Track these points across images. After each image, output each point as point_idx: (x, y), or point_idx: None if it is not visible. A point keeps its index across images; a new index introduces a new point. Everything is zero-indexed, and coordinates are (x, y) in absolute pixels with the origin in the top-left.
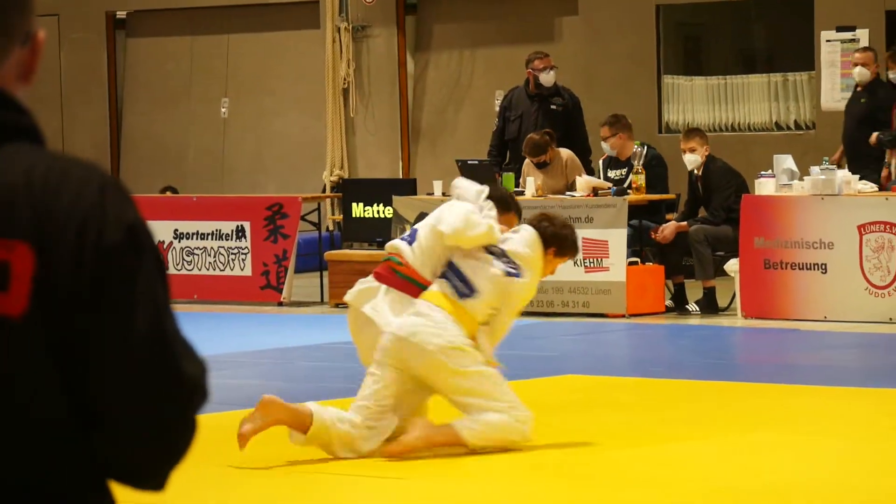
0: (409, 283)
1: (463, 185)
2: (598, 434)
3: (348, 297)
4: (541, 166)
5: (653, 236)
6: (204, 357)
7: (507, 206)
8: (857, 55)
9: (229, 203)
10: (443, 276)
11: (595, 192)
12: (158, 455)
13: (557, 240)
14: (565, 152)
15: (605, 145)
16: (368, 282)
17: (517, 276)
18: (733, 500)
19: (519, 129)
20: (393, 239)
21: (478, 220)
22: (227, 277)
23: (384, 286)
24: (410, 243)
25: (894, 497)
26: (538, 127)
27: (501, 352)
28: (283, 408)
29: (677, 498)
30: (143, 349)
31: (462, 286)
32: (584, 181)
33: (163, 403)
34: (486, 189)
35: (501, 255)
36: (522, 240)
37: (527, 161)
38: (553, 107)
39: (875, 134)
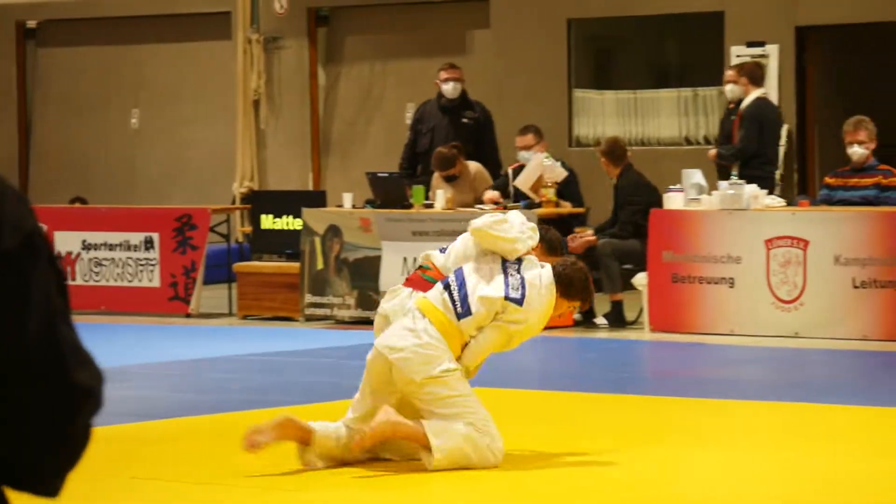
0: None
1: (511, 214)
2: (507, 447)
3: (382, 308)
4: (449, 179)
5: (569, 244)
6: (101, 367)
7: (553, 249)
8: (728, 73)
9: (138, 214)
10: (446, 285)
11: (506, 197)
12: (49, 460)
13: (565, 280)
14: (474, 165)
15: (525, 154)
16: (397, 288)
17: (517, 302)
18: None
19: (430, 141)
20: (302, 250)
21: (508, 227)
22: (135, 289)
23: (409, 289)
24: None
25: None
26: (449, 140)
27: None
28: (297, 427)
29: None
30: (35, 353)
31: (460, 306)
32: (492, 194)
33: (53, 408)
34: (533, 225)
35: (515, 273)
36: (541, 273)
37: (436, 174)
38: (464, 120)
39: (714, 150)
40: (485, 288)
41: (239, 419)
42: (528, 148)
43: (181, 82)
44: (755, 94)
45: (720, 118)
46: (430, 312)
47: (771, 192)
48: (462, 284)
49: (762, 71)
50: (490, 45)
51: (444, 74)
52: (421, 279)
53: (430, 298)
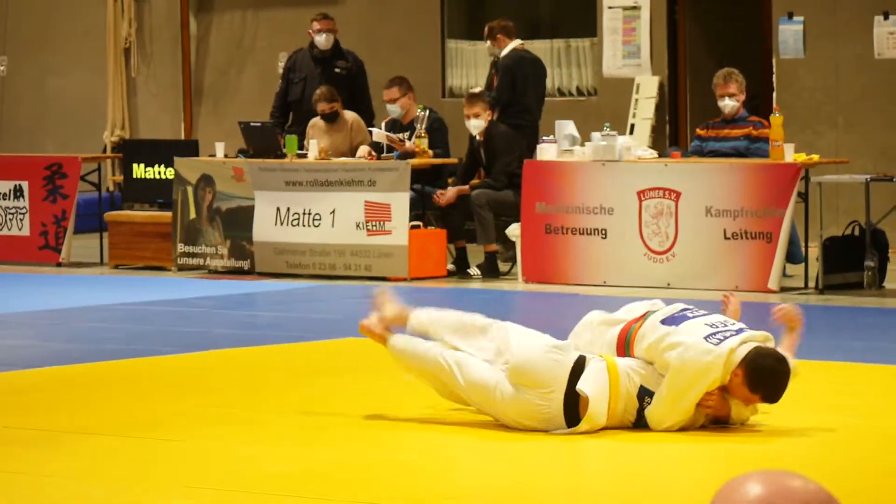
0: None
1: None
2: (390, 396)
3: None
4: (329, 119)
5: (435, 201)
6: None
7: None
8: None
9: (7, 162)
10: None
11: (381, 151)
12: None
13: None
14: (350, 115)
15: (392, 107)
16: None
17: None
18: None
19: (302, 91)
20: (174, 199)
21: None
22: (4, 237)
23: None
24: (663, 321)
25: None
26: None
27: (279, 314)
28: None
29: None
30: None
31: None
32: (380, 133)
33: None
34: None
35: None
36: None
37: (311, 123)
38: (337, 70)
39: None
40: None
41: (110, 368)
42: (394, 101)
43: (51, 30)
44: (510, 45)
45: (592, 70)
46: (612, 371)
47: (533, 139)
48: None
49: (513, 25)
50: None
51: (316, 25)
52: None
53: (623, 364)
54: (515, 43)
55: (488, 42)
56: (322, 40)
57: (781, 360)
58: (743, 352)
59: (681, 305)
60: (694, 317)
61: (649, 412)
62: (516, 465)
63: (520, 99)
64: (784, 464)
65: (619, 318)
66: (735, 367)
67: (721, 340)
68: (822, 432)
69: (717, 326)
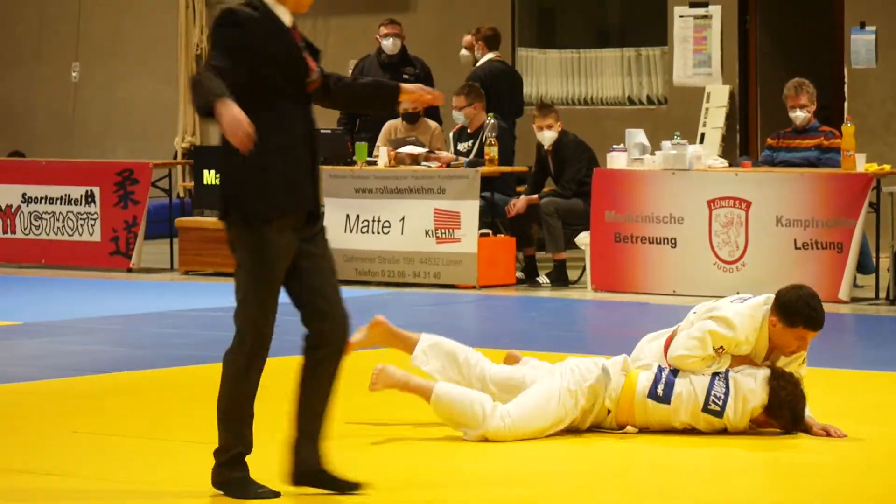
0: None
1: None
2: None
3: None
4: (411, 120)
5: (507, 213)
6: None
7: None
8: (466, 38)
9: (79, 168)
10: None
11: (447, 163)
12: None
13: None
14: (433, 123)
15: (458, 115)
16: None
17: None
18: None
19: None
20: None
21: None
22: (75, 243)
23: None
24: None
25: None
26: None
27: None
28: (391, 333)
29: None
30: None
31: (661, 389)
32: (447, 156)
33: None
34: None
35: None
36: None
37: (390, 123)
38: (405, 76)
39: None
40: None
41: (179, 374)
42: (460, 108)
43: (122, 36)
44: (486, 57)
45: (663, 78)
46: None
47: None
48: (670, 380)
49: (498, 36)
50: (433, 2)
51: (384, 30)
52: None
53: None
54: (491, 55)
55: (463, 50)
56: (389, 45)
57: (805, 287)
58: (770, 304)
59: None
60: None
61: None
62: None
63: (492, 110)
64: (845, 476)
65: (666, 331)
66: (770, 318)
67: (745, 299)
68: (887, 445)
69: (746, 299)
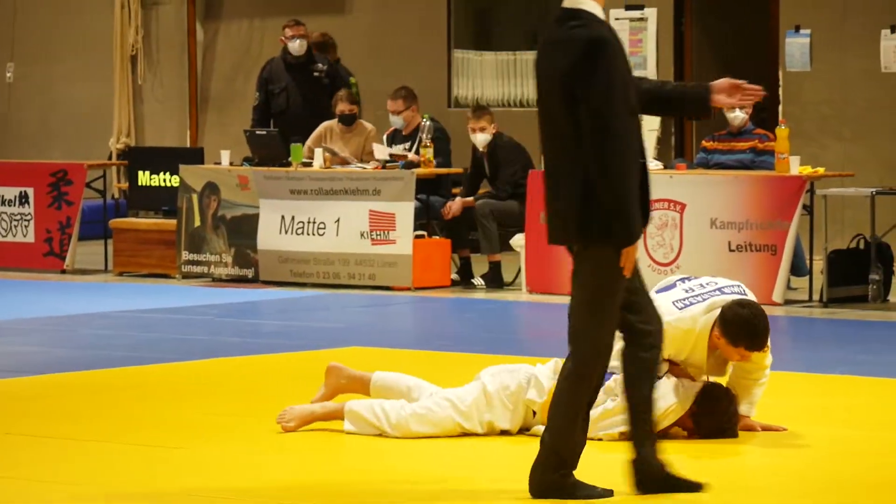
0: None
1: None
2: None
3: None
4: (348, 122)
5: (443, 216)
6: None
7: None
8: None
9: (12, 168)
10: None
11: (384, 164)
12: None
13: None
14: (369, 124)
15: (395, 119)
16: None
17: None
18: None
19: (287, 101)
20: (179, 207)
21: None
22: (9, 244)
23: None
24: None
25: None
26: (305, 97)
27: (283, 322)
28: (347, 376)
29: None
30: None
31: None
32: (382, 149)
33: None
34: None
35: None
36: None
37: (325, 125)
38: (316, 73)
39: None
40: None
41: (113, 375)
42: (398, 113)
43: (57, 37)
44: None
45: None
46: None
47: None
48: None
49: (333, 41)
50: (368, 2)
51: (289, 32)
52: None
53: None
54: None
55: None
56: (296, 46)
57: (752, 306)
58: (713, 316)
59: (677, 276)
60: (682, 284)
61: None
62: (520, 468)
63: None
64: (785, 477)
65: None
66: (713, 331)
67: (686, 306)
68: (825, 445)
69: (692, 291)
